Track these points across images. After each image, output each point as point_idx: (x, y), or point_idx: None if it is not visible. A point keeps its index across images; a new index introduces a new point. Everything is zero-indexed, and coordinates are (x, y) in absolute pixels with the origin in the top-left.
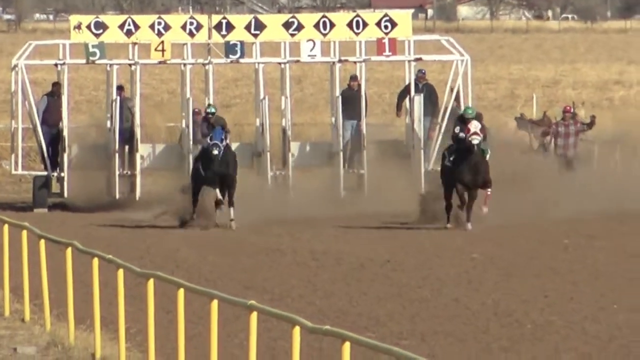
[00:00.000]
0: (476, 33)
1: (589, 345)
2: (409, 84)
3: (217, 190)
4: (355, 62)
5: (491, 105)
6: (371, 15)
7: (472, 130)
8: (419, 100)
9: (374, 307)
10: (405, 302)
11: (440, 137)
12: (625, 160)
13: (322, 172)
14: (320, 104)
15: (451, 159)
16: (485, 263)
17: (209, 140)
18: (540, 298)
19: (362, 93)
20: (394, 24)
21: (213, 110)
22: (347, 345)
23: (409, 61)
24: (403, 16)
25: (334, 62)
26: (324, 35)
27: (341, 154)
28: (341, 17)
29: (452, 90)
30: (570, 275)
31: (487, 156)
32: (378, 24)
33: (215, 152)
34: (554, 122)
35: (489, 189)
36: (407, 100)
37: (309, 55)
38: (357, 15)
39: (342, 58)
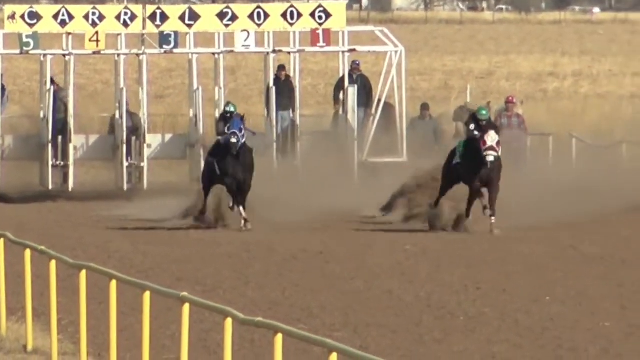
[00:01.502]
0: (411, 24)
1: (522, 337)
2: (344, 76)
3: (230, 199)
4: (289, 53)
5: (425, 97)
6: (305, 6)
7: (489, 143)
8: (352, 92)
9: (306, 299)
10: (338, 294)
11: (374, 128)
12: (558, 152)
13: (256, 162)
14: (254, 94)
15: (458, 160)
16: (418, 255)
17: (226, 130)
18: (472, 290)
19: (296, 83)
20: (328, 15)
21: (232, 109)
22: (279, 337)
23: (343, 52)
24: (337, 7)
25: (268, 53)
26: (258, 25)
27: (275, 144)
28: (275, 8)
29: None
30: (503, 266)
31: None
32: (312, 14)
33: (234, 140)
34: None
35: (493, 217)
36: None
37: (243, 46)
38: (292, 6)
39: (276, 49)
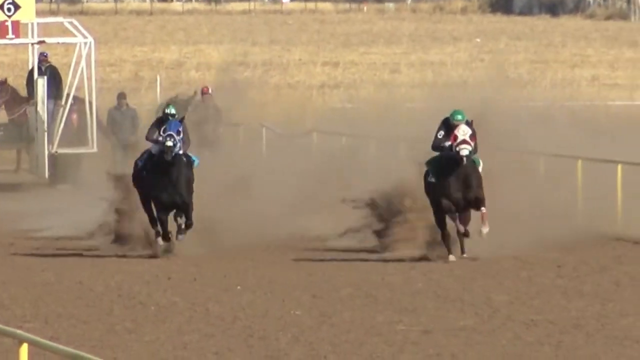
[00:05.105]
0: (100, 15)
1: (213, 326)
2: (34, 68)
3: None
4: None
5: (115, 88)
6: None
7: (460, 137)
8: (42, 83)
9: None
10: (29, 286)
11: (64, 119)
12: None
13: None
14: None
15: (432, 176)
16: (106, 246)
17: (162, 133)
18: (163, 279)
19: None
20: (17, 7)
21: (173, 111)
22: None
23: (33, 44)
24: None
25: None
26: None
27: None
28: None
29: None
30: (193, 256)
31: (480, 167)
32: (1, 6)
33: (170, 143)
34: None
35: (483, 208)
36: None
37: None
38: None
39: None
